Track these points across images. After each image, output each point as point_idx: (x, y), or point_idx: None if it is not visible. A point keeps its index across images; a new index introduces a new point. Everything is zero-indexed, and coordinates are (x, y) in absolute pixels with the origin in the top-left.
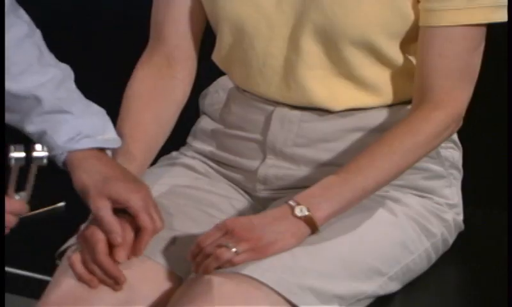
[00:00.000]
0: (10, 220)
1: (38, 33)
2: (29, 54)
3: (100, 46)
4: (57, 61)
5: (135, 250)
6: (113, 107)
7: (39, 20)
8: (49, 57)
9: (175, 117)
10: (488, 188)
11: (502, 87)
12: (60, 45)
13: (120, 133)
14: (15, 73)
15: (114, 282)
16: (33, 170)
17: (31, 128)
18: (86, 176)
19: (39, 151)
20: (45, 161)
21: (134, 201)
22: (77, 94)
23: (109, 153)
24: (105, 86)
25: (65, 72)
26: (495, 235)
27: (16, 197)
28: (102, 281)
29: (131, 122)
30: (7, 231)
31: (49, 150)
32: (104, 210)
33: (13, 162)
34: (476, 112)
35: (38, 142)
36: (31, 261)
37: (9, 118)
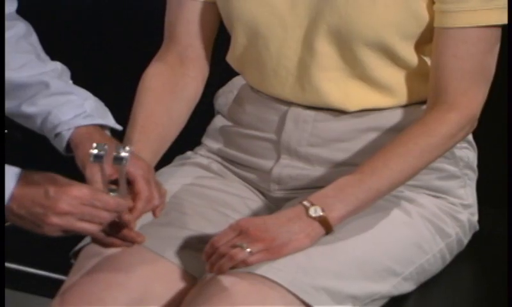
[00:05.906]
0: (103, 216)
1: (34, 35)
2: (27, 52)
3: (113, 46)
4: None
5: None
6: (125, 107)
7: (57, 17)
8: (45, 57)
9: (187, 113)
10: (503, 189)
11: None
12: (73, 44)
13: (132, 125)
14: (16, 67)
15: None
16: (122, 171)
17: (31, 110)
18: (90, 147)
19: (123, 152)
20: (124, 162)
21: (134, 168)
22: (76, 86)
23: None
24: (119, 86)
25: (63, 67)
26: (510, 235)
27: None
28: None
29: (143, 114)
30: (99, 227)
31: (54, 128)
32: (97, 174)
33: (91, 159)
34: (491, 112)
35: (40, 123)
36: (46, 260)
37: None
